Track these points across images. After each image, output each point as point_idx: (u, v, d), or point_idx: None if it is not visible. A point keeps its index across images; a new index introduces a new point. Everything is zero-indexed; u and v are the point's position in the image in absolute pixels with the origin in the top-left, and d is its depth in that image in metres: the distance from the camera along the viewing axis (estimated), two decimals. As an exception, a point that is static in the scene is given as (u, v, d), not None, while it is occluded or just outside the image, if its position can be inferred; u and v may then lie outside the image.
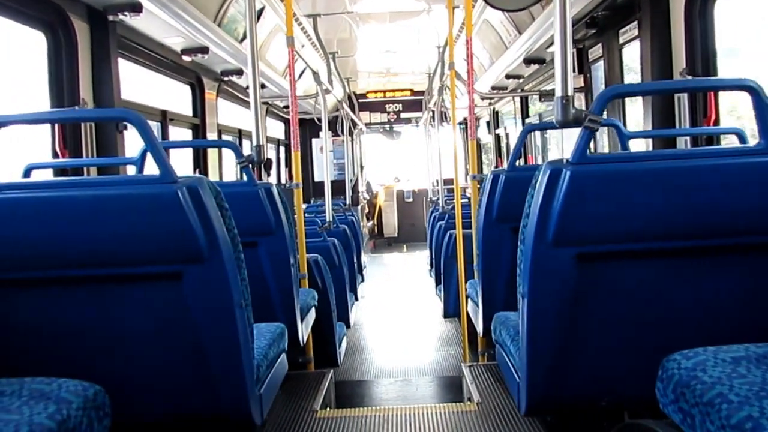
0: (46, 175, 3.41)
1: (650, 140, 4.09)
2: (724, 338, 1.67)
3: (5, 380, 1.55)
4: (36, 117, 2.45)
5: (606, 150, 5.24)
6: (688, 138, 3.79)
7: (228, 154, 6.84)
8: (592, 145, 3.61)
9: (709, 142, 3.66)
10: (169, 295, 2.03)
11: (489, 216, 3.51)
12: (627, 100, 4.92)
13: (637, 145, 4.07)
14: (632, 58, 4.74)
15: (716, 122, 3.59)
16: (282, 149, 10.74)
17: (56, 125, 3.64)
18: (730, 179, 1.94)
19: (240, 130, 7.68)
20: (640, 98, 4.38)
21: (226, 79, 6.42)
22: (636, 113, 4.99)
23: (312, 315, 3.97)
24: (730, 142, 3.53)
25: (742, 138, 2.90)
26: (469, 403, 3.46)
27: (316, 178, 13.31)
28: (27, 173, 3.01)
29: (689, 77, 3.67)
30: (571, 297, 2.05)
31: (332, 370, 4.13)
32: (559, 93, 1.98)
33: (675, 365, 1.45)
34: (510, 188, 3.38)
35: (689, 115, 3.75)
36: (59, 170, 3.62)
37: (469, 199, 6.70)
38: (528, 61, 6.55)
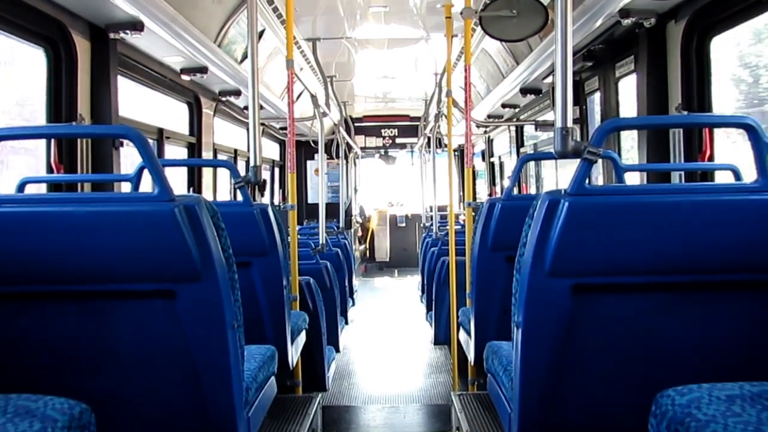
0: (40, 191, 3.39)
1: (644, 173, 4.11)
2: (717, 375, 1.66)
3: None
4: (37, 131, 2.44)
5: (600, 182, 5.26)
6: (681, 173, 3.81)
7: (222, 174, 6.82)
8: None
9: (704, 178, 3.68)
10: (161, 314, 2.01)
11: (484, 244, 3.50)
12: (621, 132, 4.95)
13: (630, 178, 4.10)
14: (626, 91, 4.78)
15: (711, 158, 3.62)
16: (276, 170, 10.75)
17: (52, 140, 3.63)
18: (729, 216, 1.94)
19: (236, 150, 7.69)
20: (634, 131, 4.41)
21: (223, 99, 6.44)
22: (627, 145, 5.03)
23: (302, 338, 3.94)
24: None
25: (737, 175, 2.92)
26: None
27: (310, 200, 13.32)
28: (21, 188, 2.98)
29: (684, 112, 3.70)
30: (566, 328, 2.04)
31: (320, 395, 4.09)
32: (559, 124, 2.00)
33: (669, 401, 1.44)
34: (506, 217, 3.38)
35: (684, 150, 3.78)
36: (53, 185, 3.60)
37: (462, 225, 6.70)
38: (524, 91, 6.61)
